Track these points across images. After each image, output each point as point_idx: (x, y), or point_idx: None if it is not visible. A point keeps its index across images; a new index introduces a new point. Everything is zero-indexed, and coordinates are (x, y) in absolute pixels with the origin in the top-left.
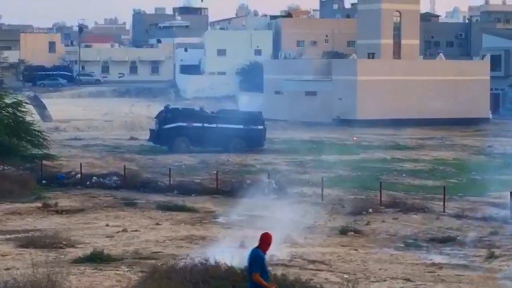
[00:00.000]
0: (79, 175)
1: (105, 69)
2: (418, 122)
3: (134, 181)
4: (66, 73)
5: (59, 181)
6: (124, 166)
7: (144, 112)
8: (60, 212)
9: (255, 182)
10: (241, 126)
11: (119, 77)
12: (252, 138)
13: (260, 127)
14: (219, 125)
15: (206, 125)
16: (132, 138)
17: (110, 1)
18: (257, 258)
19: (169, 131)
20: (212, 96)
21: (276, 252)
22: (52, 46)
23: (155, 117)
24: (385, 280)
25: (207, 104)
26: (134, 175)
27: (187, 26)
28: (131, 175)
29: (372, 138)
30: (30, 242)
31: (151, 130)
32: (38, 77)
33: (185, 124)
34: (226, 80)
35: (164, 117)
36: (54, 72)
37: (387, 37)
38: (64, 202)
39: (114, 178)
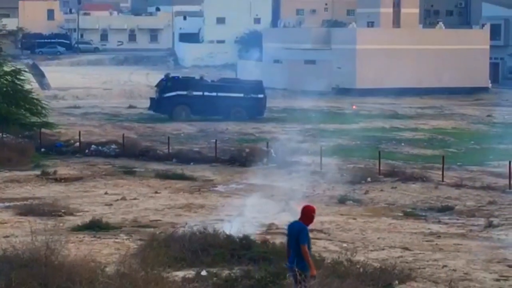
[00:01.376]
0: (77, 143)
1: (104, 37)
2: (417, 91)
3: (133, 149)
4: (64, 41)
5: (57, 149)
6: (123, 135)
7: (143, 81)
8: (58, 180)
9: (254, 151)
10: (241, 95)
11: (118, 45)
12: (252, 107)
13: (260, 95)
14: (219, 94)
15: (206, 93)
16: (131, 107)
17: None
18: (303, 230)
19: (169, 99)
20: (211, 64)
21: (275, 221)
22: (50, 13)
23: (155, 86)
24: (383, 249)
25: (206, 73)
26: (133, 144)
27: None
28: (130, 143)
29: (371, 107)
30: (29, 210)
31: (151, 99)
32: (36, 45)
33: (185, 92)
34: (225, 48)
35: (164, 85)
36: (52, 40)
37: (387, 6)
38: (63, 170)
39: (113, 146)
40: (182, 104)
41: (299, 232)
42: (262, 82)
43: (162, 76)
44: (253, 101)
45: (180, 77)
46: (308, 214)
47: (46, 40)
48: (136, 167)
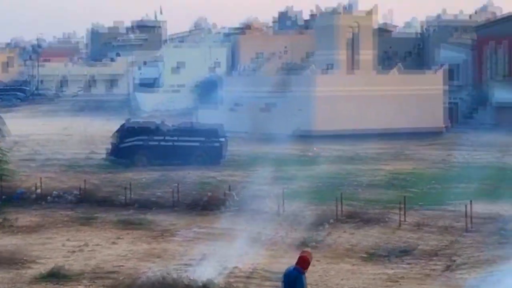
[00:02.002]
0: (38, 191)
1: (62, 85)
2: (375, 134)
3: (94, 196)
4: (21, 90)
5: (17, 197)
6: (84, 181)
7: (103, 127)
8: (18, 229)
9: (215, 195)
10: (202, 140)
11: (76, 93)
12: (213, 152)
13: (221, 140)
14: (180, 139)
15: (166, 139)
16: (91, 153)
17: (68, 17)
18: (299, 278)
19: (128, 147)
20: (170, 110)
21: (237, 265)
22: (9, 61)
23: (115, 132)
24: None
25: (165, 119)
26: (94, 190)
27: (144, 41)
28: (91, 190)
29: (331, 150)
30: None
31: (112, 145)
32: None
33: (145, 138)
34: (184, 95)
35: (124, 131)
36: (9, 89)
37: (343, 50)
38: (23, 218)
39: (74, 193)
40: (142, 150)
41: (295, 280)
42: (222, 127)
43: (122, 122)
44: (213, 146)
45: (140, 123)
46: (304, 260)
47: (5, 87)
48: (97, 214)
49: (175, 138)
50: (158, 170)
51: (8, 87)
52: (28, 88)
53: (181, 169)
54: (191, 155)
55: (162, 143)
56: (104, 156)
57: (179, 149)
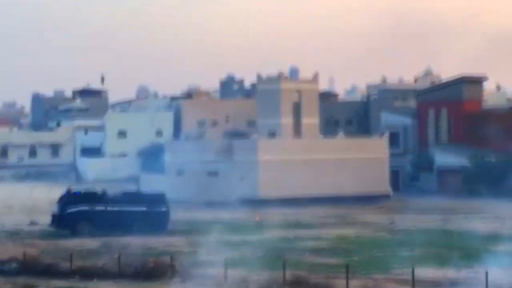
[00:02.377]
0: None
1: (4, 153)
2: (320, 200)
3: (35, 266)
4: None
5: None
6: (24, 252)
7: (45, 196)
8: None
9: (158, 264)
10: (144, 208)
11: (19, 161)
12: (155, 220)
13: (164, 208)
14: (122, 208)
15: (109, 207)
16: (32, 223)
17: (8, 84)
18: None
19: (71, 215)
20: (114, 178)
21: None
22: None
23: (57, 201)
24: None
25: (108, 187)
26: (35, 261)
27: (87, 109)
28: (32, 260)
29: (274, 217)
30: None
31: (53, 215)
32: None
33: (87, 207)
34: (128, 162)
35: (66, 200)
36: None
37: (287, 116)
38: None
39: (14, 264)
40: (85, 219)
41: None
42: (165, 195)
43: (64, 191)
44: (156, 214)
45: (82, 191)
46: None
47: None
48: (38, 285)
49: (119, 205)
50: (100, 238)
51: None
52: None
53: (124, 237)
54: (135, 222)
55: (107, 209)
56: (46, 225)
57: (123, 216)
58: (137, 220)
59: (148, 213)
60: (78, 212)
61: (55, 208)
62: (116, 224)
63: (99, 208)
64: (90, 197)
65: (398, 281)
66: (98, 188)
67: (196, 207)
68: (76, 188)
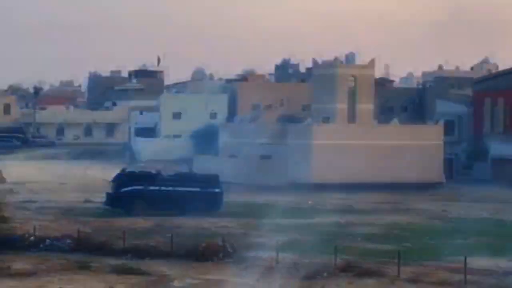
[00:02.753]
0: (33, 238)
1: (60, 131)
2: (373, 186)
3: (88, 244)
4: (18, 135)
5: (12, 243)
6: (78, 229)
7: (99, 175)
8: (13, 275)
9: (209, 246)
10: (198, 189)
11: (74, 139)
12: (208, 201)
13: (217, 190)
14: (176, 188)
15: (163, 188)
16: (86, 201)
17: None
18: None
19: (126, 194)
20: (167, 159)
21: None
22: (7, 108)
23: (112, 181)
24: None
25: (162, 167)
26: (88, 238)
27: (142, 89)
28: (85, 238)
29: (327, 202)
30: None
31: (108, 194)
32: None
33: (141, 187)
34: (182, 143)
35: (121, 180)
36: (6, 134)
37: (342, 102)
38: (18, 265)
39: (68, 241)
40: (139, 199)
41: None
42: (218, 177)
43: (119, 171)
44: (209, 195)
45: (137, 171)
46: None
47: (1, 133)
48: (91, 262)
49: (173, 186)
50: (153, 218)
51: (2, 134)
52: (23, 136)
53: (177, 218)
54: (189, 203)
55: (161, 189)
56: (100, 203)
57: (177, 196)
58: (190, 201)
59: (202, 194)
60: (132, 191)
61: (109, 188)
62: (170, 204)
63: (153, 188)
64: (145, 177)
65: (450, 269)
66: (153, 169)
67: (249, 190)
68: (131, 168)
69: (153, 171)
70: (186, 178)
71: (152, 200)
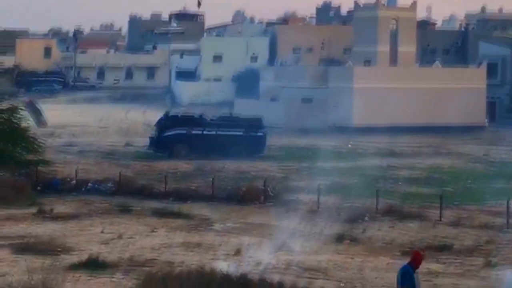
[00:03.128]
0: (74, 181)
1: (101, 74)
2: (414, 129)
3: (130, 187)
4: (59, 78)
5: (54, 187)
6: (120, 173)
7: (140, 118)
8: (55, 218)
9: (251, 189)
10: (241, 133)
11: (115, 83)
12: (252, 144)
13: (260, 133)
14: (219, 132)
15: (206, 131)
16: (127, 144)
17: (106, 6)
18: (406, 273)
19: (169, 138)
20: (207, 102)
21: (272, 260)
22: (47, 51)
23: (155, 125)
24: None
25: (202, 111)
26: (130, 182)
27: (183, 32)
28: (127, 181)
29: (367, 145)
30: (25, 248)
31: (151, 138)
32: (32, 82)
33: (184, 131)
34: (222, 86)
35: (164, 124)
36: (47, 78)
37: (384, 44)
38: (59, 208)
39: (109, 184)
40: (182, 143)
41: (403, 275)
42: (262, 120)
43: (161, 115)
44: (253, 138)
45: (180, 115)
46: (416, 258)
47: (40, 78)
48: (132, 205)
49: (216, 129)
50: (193, 162)
51: (43, 77)
52: (63, 79)
53: (217, 161)
54: (232, 146)
55: (204, 133)
56: (141, 147)
57: (220, 140)
58: (233, 144)
59: (245, 137)
60: (175, 135)
61: (152, 131)
62: (213, 148)
63: (196, 131)
64: (188, 121)
65: (491, 212)
66: (192, 112)
67: (290, 133)
68: (170, 111)
69: (196, 115)
70: (229, 122)
71: (194, 143)
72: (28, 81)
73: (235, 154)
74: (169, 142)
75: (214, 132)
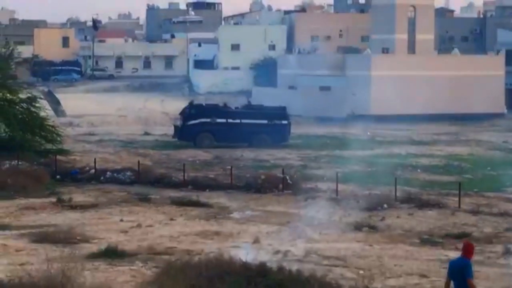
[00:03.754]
0: (93, 170)
1: (119, 64)
2: (432, 117)
3: (148, 176)
4: (75, 68)
5: (73, 176)
6: (138, 161)
7: (158, 107)
8: (74, 207)
9: (269, 178)
10: (266, 121)
11: (133, 72)
12: (276, 133)
13: (285, 122)
14: (243, 121)
15: (230, 120)
16: (146, 133)
17: None
18: (467, 265)
19: (193, 127)
20: (226, 91)
21: (291, 248)
22: (65, 41)
23: (179, 114)
24: (400, 276)
25: (221, 99)
26: (148, 171)
27: (201, 21)
28: (145, 170)
29: (386, 133)
30: (44, 237)
31: (175, 127)
32: (49, 72)
33: (209, 120)
34: (240, 75)
35: (188, 113)
36: (64, 67)
37: (402, 32)
38: (78, 197)
39: (128, 173)
40: (206, 132)
41: (463, 267)
42: (286, 108)
43: (182, 104)
44: (277, 127)
45: (204, 104)
46: (469, 249)
47: (57, 67)
48: (151, 194)
49: (240, 118)
50: (212, 151)
51: (60, 67)
52: (79, 69)
53: (236, 149)
54: (256, 135)
55: (228, 122)
56: (159, 136)
57: (244, 128)
58: (258, 133)
59: (269, 126)
60: (200, 124)
61: (175, 120)
62: (237, 137)
63: (221, 120)
64: (212, 110)
65: (511, 200)
66: (211, 100)
67: (308, 122)
68: (190, 99)
69: (221, 104)
70: (253, 110)
71: (219, 132)
72: (44, 71)
73: (259, 143)
74: (193, 131)
75: (238, 121)
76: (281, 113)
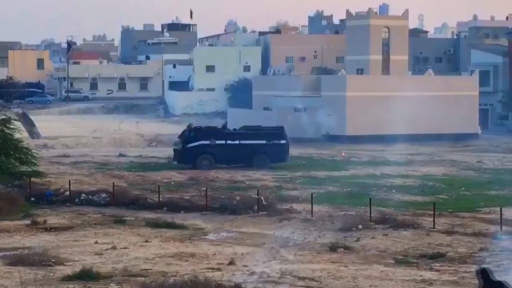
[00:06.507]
0: (67, 192)
1: (94, 85)
2: (407, 137)
3: (123, 198)
4: (37, 90)
5: (47, 198)
6: (113, 183)
7: (133, 129)
8: (48, 229)
9: (244, 199)
10: (264, 142)
11: (108, 93)
12: (275, 153)
13: (283, 141)
14: (242, 142)
15: (229, 142)
16: (121, 155)
17: (99, 17)
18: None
19: (193, 149)
20: (201, 112)
21: (266, 269)
22: (40, 63)
23: (178, 137)
24: None
25: (196, 121)
26: (123, 192)
27: (175, 43)
28: (120, 192)
29: (361, 154)
30: (18, 260)
31: (175, 150)
32: (10, 94)
33: (208, 142)
34: (215, 96)
35: (188, 136)
36: (26, 90)
37: (376, 53)
38: (53, 219)
39: (103, 195)
40: (206, 154)
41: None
42: (283, 128)
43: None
44: (276, 147)
45: (203, 127)
46: None
47: (19, 90)
48: (126, 216)
49: (239, 139)
50: (187, 172)
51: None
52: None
53: (210, 171)
54: (256, 155)
55: (227, 143)
56: (133, 157)
57: (243, 149)
58: (257, 153)
59: (268, 146)
60: (199, 146)
61: (175, 146)
62: (236, 158)
63: (220, 142)
64: (211, 132)
65: (485, 220)
66: (186, 122)
67: None
68: (165, 121)
69: (219, 126)
70: (251, 131)
71: (218, 154)
72: (4, 93)
73: (259, 163)
74: (193, 154)
75: (237, 142)
76: (279, 133)
